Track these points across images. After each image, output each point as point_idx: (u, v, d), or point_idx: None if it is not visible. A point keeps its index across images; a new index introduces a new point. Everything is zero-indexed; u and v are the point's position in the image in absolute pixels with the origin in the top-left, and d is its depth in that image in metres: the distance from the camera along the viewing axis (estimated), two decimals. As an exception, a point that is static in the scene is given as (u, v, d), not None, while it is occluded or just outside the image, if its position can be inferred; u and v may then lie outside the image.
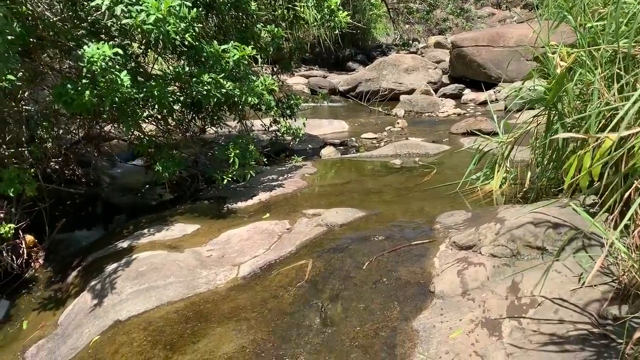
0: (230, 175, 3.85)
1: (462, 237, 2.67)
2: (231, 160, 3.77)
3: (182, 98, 3.65)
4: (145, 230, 3.60)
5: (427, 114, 8.46)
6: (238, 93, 3.59)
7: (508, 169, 3.64)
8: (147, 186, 4.74)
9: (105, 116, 4.23)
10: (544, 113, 3.20)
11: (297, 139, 5.27)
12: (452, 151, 5.40)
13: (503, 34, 9.66)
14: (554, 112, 3.00)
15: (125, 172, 5.46)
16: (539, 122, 3.38)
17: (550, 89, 2.90)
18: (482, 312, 2.12)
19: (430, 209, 3.45)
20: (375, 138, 6.78)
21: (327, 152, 5.91)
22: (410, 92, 9.55)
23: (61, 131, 4.64)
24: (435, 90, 9.80)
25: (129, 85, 3.08)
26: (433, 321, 2.17)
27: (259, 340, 2.23)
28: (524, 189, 3.37)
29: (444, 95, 9.68)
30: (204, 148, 4.78)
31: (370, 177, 4.60)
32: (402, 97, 8.90)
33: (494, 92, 8.84)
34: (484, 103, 8.82)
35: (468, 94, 9.48)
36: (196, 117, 4.50)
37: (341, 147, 6.30)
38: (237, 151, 3.76)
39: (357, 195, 3.96)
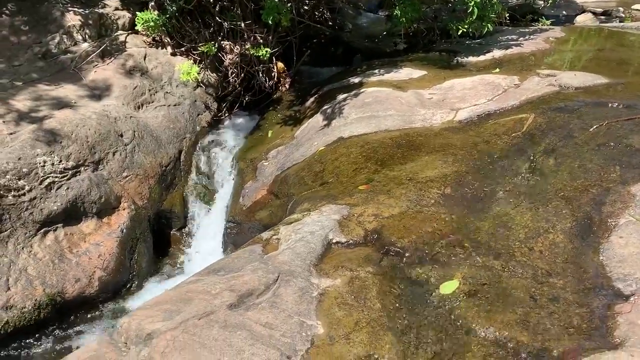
0: (465, 26, 3.73)
1: None
2: (469, 10, 3.63)
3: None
4: (376, 71, 3.82)
5: None
6: None
7: None
8: (385, 34, 4.89)
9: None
10: None
11: (550, 2, 4.75)
12: None
13: None
14: None
15: (368, 20, 5.70)
16: None
17: None
18: None
19: (695, 86, 2.93)
20: (650, 10, 5.70)
21: (583, 19, 5.23)
22: None
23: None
24: None
25: None
26: (656, 189, 1.97)
27: (461, 173, 2.32)
28: None
29: None
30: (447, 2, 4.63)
31: (627, 48, 3.99)
32: None
33: None
34: None
35: None
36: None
37: (602, 17, 5.48)
38: (478, 0, 3.58)
39: (606, 64, 3.52)
